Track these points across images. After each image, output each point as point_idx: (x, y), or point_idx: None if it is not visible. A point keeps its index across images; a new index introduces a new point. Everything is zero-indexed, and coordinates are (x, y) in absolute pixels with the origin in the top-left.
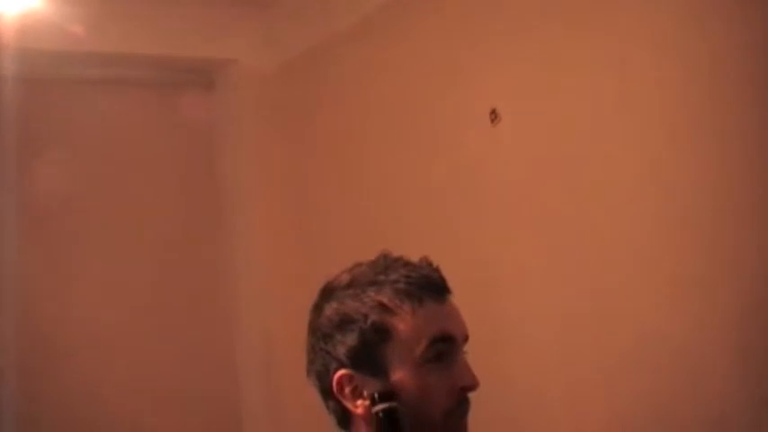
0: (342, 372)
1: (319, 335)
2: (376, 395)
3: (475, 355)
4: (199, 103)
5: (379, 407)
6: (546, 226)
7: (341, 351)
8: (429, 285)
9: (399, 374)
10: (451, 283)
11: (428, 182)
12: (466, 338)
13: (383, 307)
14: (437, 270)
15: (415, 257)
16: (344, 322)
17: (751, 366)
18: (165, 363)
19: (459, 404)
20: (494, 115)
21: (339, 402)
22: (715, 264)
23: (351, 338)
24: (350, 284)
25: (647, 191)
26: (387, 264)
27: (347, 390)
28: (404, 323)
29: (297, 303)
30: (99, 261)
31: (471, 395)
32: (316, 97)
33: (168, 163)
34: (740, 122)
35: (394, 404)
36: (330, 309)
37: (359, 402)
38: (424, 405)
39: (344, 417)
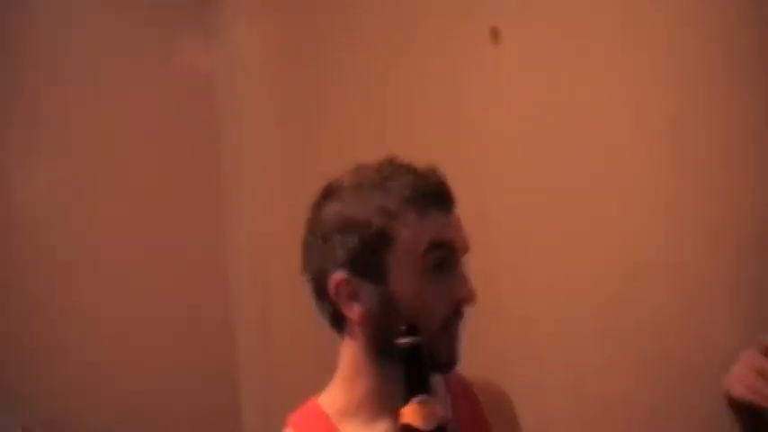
0: (340, 275)
1: (319, 234)
2: (403, 327)
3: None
4: (196, 21)
5: (404, 341)
6: (545, 149)
7: (340, 254)
8: (435, 195)
9: (398, 282)
10: None
11: (428, 100)
12: (467, 250)
13: (388, 213)
14: (444, 180)
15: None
16: (346, 225)
17: (749, 292)
18: (154, 279)
19: (455, 315)
20: (494, 34)
21: (334, 305)
22: (713, 194)
23: (352, 242)
24: (354, 186)
25: (648, 121)
26: (393, 169)
27: (344, 293)
28: (407, 231)
29: (293, 215)
30: (90, 173)
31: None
32: (319, 17)
33: (162, 76)
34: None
35: (419, 339)
36: (332, 209)
37: (355, 307)
38: (420, 314)
39: (338, 320)
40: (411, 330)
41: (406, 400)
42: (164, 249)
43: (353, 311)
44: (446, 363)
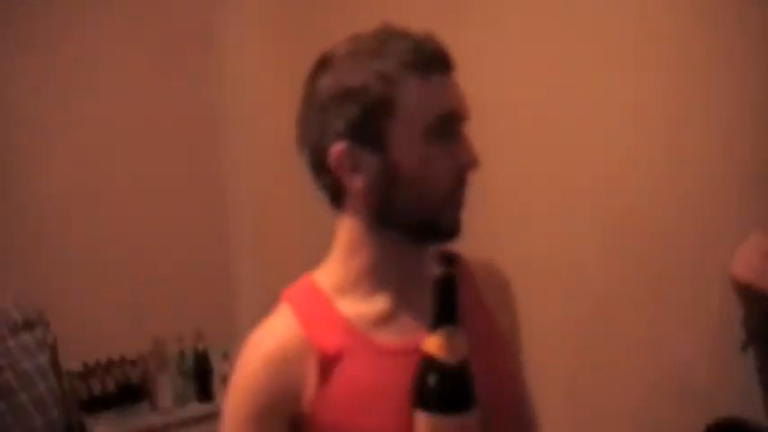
0: (340, 146)
1: (316, 106)
2: (441, 256)
3: None
4: None
5: (440, 270)
6: (545, 51)
7: (339, 124)
8: (435, 59)
9: (400, 150)
10: None
11: None
12: (468, 116)
13: (387, 78)
14: (442, 44)
15: None
16: (345, 94)
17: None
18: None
19: (460, 184)
20: None
21: (334, 178)
22: (715, 118)
23: (351, 111)
24: (350, 54)
25: (653, 46)
26: (389, 35)
27: (345, 165)
28: (408, 96)
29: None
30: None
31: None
32: None
33: None
34: None
35: (454, 271)
36: (329, 79)
37: (356, 178)
38: (424, 182)
39: (338, 193)
40: (448, 260)
41: (431, 330)
42: (162, 120)
43: (355, 183)
44: (449, 232)
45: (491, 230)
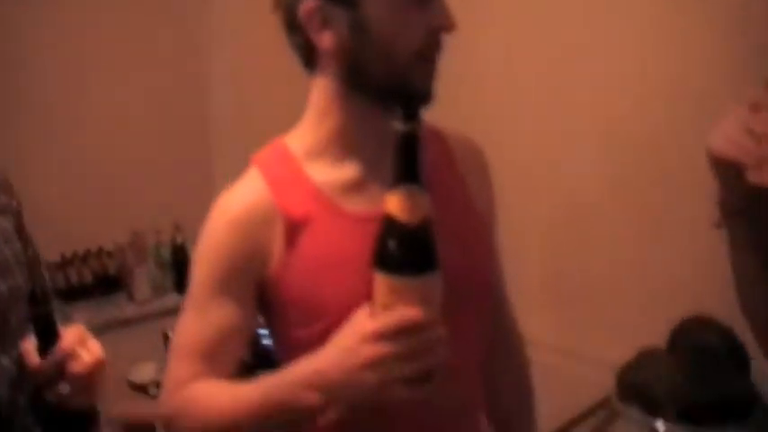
0: (311, 1)
1: None
2: (402, 112)
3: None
4: None
5: (401, 127)
6: None
7: None
8: None
9: (372, 6)
10: None
11: None
12: None
13: None
14: None
15: None
16: None
17: None
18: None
19: (433, 45)
20: None
21: (305, 36)
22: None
23: None
24: None
25: None
26: None
27: (315, 21)
28: None
29: None
30: None
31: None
32: None
33: None
34: None
35: (417, 127)
36: None
37: (326, 35)
38: (394, 42)
39: (309, 53)
40: (410, 116)
41: (392, 188)
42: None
43: (325, 40)
44: (420, 95)
45: (482, 114)
